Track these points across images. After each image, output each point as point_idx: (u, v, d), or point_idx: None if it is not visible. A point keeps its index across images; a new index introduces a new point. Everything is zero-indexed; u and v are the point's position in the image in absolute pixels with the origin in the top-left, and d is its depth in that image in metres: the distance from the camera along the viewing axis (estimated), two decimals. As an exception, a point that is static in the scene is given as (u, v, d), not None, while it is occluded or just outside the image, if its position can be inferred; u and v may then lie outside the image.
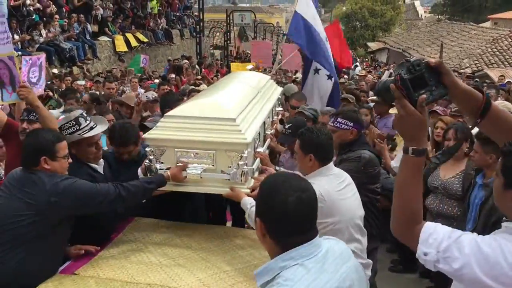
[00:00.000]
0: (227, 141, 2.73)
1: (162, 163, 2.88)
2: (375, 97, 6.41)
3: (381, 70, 19.62)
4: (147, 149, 2.91)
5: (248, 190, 2.79)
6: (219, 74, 14.92)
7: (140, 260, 2.69)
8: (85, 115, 3.08)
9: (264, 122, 3.46)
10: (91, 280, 2.48)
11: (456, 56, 22.62)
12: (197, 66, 16.43)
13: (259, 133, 3.31)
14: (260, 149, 3.28)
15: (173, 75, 11.83)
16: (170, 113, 2.97)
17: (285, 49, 9.53)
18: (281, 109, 4.55)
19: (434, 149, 4.79)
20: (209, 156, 2.80)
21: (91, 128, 3.02)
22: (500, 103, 5.32)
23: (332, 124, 3.61)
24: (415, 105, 1.51)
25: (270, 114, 3.83)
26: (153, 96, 6.25)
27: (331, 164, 2.92)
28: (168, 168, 2.85)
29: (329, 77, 6.33)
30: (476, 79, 14.71)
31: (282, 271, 1.51)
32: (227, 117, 2.81)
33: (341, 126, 3.56)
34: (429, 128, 5.18)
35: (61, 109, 6.35)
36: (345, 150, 3.58)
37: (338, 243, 1.70)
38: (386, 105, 5.96)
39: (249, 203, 2.69)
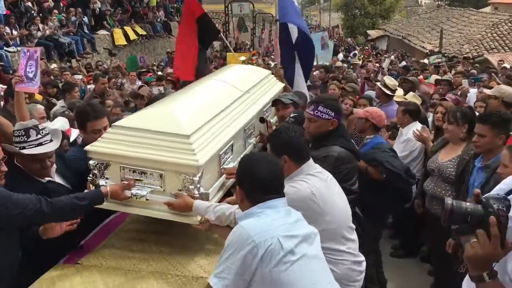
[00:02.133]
0: (177, 161, 2.45)
1: (107, 179, 2.61)
2: (378, 83, 6.39)
3: (382, 57, 19.59)
4: (90, 162, 2.62)
5: (197, 219, 2.52)
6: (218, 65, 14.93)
7: (141, 249, 2.72)
8: (40, 127, 2.75)
9: (244, 129, 3.18)
10: (94, 269, 2.52)
11: (456, 42, 22.51)
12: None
13: (245, 136, 3.13)
14: (231, 164, 2.91)
15: (170, 70, 11.83)
16: (118, 123, 2.68)
17: (276, 47, 9.46)
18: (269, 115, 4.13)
19: (434, 133, 4.83)
20: (158, 176, 2.53)
21: (39, 144, 2.69)
22: (497, 89, 5.31)
23: (312, 113, 3.27)
24: (502, 244, 1.45)
25: (260, 115, 3.56)
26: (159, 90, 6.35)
27: (311, 161, 2.70)
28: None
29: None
30: (476, 65, 14.69)
31: (261, 213, 2.00)
32: (180, 133, 2.50)
33: (322, 115, 3.24)
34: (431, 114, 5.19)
35: (62, 103, 6.39)
36: (319, 143, 3.30)
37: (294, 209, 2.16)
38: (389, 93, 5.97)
39: (204, 206, 2.50)
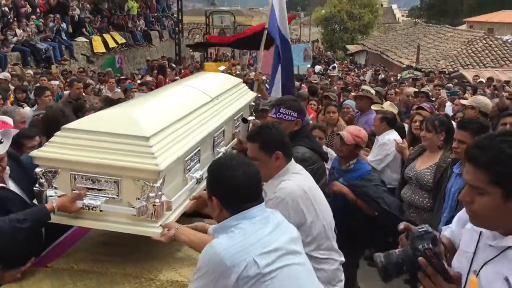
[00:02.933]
0: (134, 166, 2.19)
1: (55, 188, 2.34)
2: (360, 92, 6.44)
3: (363, 70, 19.96)
4: (37, 170, 2.33)
5: (159, 231, 2.26)
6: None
7: (114, 253, 2.63)
8: None
9: (213, 136, 3.06)
10: (65, 272, 2.43)
11: (432, 57, 23.00)
12: (173, 65, 16.32)
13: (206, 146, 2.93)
14: (199, 173, 2.72)
15: (149, 78, 11.74)
16: (68, 125, 2.42)
17: (259, 54, 9.52)
18: (253, 118, 3.99)
19: (410, 141, 4.88)
20: (113, 183, 2.27)
21: None
22: (473, 99, 5.42)
23: (275, 116, 3.23)
24: (447, 278, 1.41)
25: (229, 124, 3.42)
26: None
27: (293, 160, 2.67)
28: (61, 196, 2.33)
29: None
30: (453, 79, 15.00)
31: (237, 226, 1.83)
32: (138, 134, 2.27)
33: (285, 117, 3.21)
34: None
35: (34, 108, 6.24)
36: None
37: (274, 212, 2.01)
38: (368, 102, 6.03)
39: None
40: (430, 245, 1.42)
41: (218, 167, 1.91)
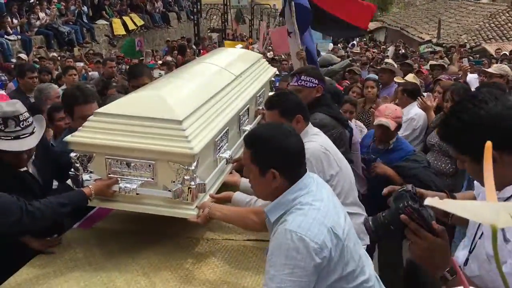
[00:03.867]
0: (169, 150, 2.19)
1: (91, 172, 2.34)
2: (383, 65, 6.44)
3: (382, 47, 19.75)
4: (72, 154, 2.31)
5: (195, 213, 2.27)
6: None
7: (149, 216, 2.52)
8: (22, 118, 2.35)
9: (239, 115, 3.00)
10: (107, 232, 2.57)
11: (454, 32, 22.59)
12: (194, 47, 16.41)
13: (236, 126, 2.94)
14: (228, 153, 2.68)
15: (169, 58, 11.85)
16: (101, 110, 2.40)
17: (273, 34, 9.34)
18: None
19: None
20: (148, 167, 2.26)
21: (17, 137, 2.33)
22: (497, 66, 5.41)
23: (297, 84, 3.28)
24: (431, 231, 1.44)
25: (253, 101, 3.38)
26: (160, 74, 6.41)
27: (311, 124, 2.76)
28: (97, 180, 2.32)
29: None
30: (475, 54, 14.77)
31: (295, 201, 1.74)
32: (171, 118, 2.25)
33: (306, 84, 3.26)
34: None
35: (63, 86, 6.46)
36: None
37: (313, 176, 1.93)
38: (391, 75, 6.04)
39: (244, 199, 2.41)
40: (410, 202, 1.49)
41: (271, 138, 1.81)
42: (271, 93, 3.83)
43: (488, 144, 0.57)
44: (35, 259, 2.30)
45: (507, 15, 22.53)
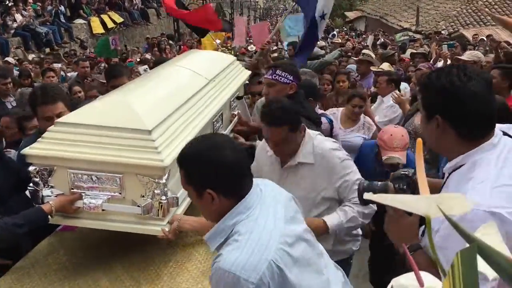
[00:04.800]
0: (137, 162, 2.03)
1: (52, 187, 2.16)
2: (360, 56, 6.52)
3: (363, 36, 19.89)
4: (30, 168, 2.15)
5: (166, 228, 2.12)
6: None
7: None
8: None
9: (213, 121, 2.87)
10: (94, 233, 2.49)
11: (432, 19, 22.79)
12: (171, 42, 16.26)
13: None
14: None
15: (149, 56, 11.78)
16: (62, 119, 2.23)
17: (253, 28, 9.37)
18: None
19: (411, 103, 5.02)
20: (115, 181, 2.10)
21: None
22: (470, 53, 5.53)
23: (271, 77, 3.22)
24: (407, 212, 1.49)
25: (227, 106, 3.23)
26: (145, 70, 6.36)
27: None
28: (59, 195, 2.15)
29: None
30: (454, 40, 14.94)
31: (235, 227, 1.56)
32: (139, 127, 2.10)
33: (281, 79, 3.18)
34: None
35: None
36: None
37: (265, 183, 1.77)
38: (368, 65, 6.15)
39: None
40: (405, 187, 1.56)
41: (201, 154, 1.59)
42: (260, 102, 3.74)
43: (419, 140, 0.62)
44: (19, 263, 2.28)
45: (484, 0, 22.80)
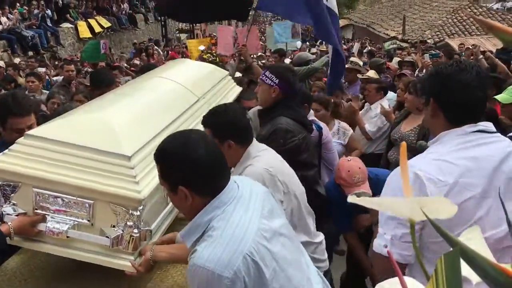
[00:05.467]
0: (112, 191, 1.86)
1: (14, 205, 1.97)
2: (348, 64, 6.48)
3: (350, 44, 20.08)
4: None
5: (137, 261, 1.93)
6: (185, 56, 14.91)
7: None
8: None
9: None
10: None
11: (418, 28, 23.09)
12: (159, 51, 16.11)
13: None
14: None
15: (137, 62, 11.73)
16: (33, 132, 2.04)
17: (239, 33, 9.31)
18: None
19: (396, 107, 5.07)
20: (85, 206, 1.92)
21: None
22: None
23: (260, 76, 3.19)
24: None
25: None
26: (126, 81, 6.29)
27: (255, 141, 2.44)
28: (20, 215, 1.96)
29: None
30: (441, 49, 15.14)
31: (210, 223, 1.54)
32: (117, 151, 1.92)
33: (266, 80, 3.05)
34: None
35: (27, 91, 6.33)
36: (266, 117, 3.05)
37: (242, 179, 1.76)
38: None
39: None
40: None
41: (176, 151, 1.58)
42: (253, 111, 3.50)
43: (403, 144, 0.62)
44: None
45: (469, 10, 23.17)
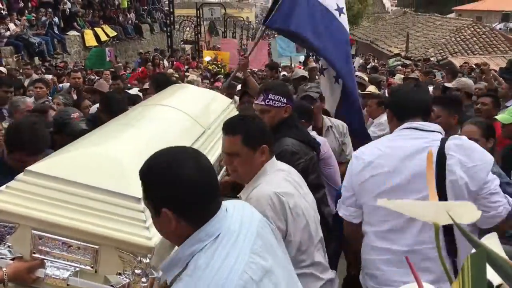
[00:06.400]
0: (119, 236, 1.71)
1: (9, 247, 1.80)
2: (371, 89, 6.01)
3: (353, 60, 20.25)
4: None
5: None
6: (189, 67, 15.02)
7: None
8: None
9: None
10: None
11: (421, 46, 23.26)
12: (165, 61, 16.20)
13: None
14: None
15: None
16: (33, 167, 1.86)
17: (250, 47, 9.36)
18: None
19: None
20: (88, 252, 1.75)
21: None
22: (457, 81, 5.67)
23: (264, 103, 2.89)
24: None
25: (219, 158, 2.75)
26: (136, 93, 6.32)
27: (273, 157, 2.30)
28: (16, 259, 1.79)
29: (336, 80, 4.57)
30: (445, 67, 15.24)
31: (193, 257, 1.37)
32: (126, 192, 1.77)
33: (275, 104, 2.88)
34: None
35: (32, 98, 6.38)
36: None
37: (235, 205, 1.56)
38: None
39: None
40: None
41: (160, 169, 1.41)
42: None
43: (430, 152, 0.65)
44: None
45: (472, 29, 23.37)
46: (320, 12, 4.46)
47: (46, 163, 1.93)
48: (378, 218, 2.27)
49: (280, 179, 2.19)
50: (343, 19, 4.57)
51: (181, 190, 1.37)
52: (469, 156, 2.16)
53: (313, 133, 3.57)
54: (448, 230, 2.11)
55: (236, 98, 6.70)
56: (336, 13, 4.49)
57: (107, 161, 1.91)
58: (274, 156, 2.28)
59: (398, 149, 2.25)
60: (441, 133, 2.29)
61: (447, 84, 6.04)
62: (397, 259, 2.19)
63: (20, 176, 1.85)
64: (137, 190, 1.67)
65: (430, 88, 7.17)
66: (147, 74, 11.13)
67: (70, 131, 3.21)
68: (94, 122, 3.40)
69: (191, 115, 2.75)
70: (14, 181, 1.83)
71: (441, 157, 2.14)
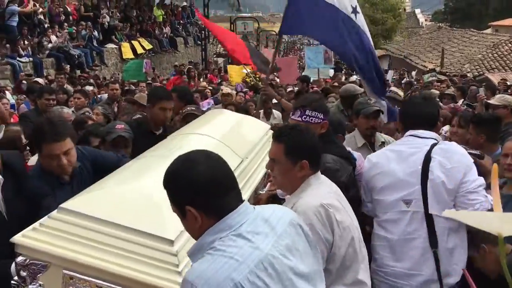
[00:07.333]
0: (150, 281, 1.67)
1: (40, 286, 1.78)
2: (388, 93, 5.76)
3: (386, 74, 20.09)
4: (18, 259, 1.77)
5: None
6: (222, 80, 15.17)
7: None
8: None
9: None
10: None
11: (457, 61, 22.89)
12: (191, 67, 16.22)
13: None
14: None
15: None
16: (68, 205, 1.87)
17: (279, 62, 9.14)
18: None
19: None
20: None
21: None
22: (499, 97, 5.54)
23: (301, 119, 2.85)
24: None
25: (257, 187, 2.74)
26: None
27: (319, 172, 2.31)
28: None
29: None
30: (483, 83, 14.92)
31: (212, 244, 1.47)
32: (159, 234, 1.74)
33: (312, 120, 2.83)
34: None
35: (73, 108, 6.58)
36: None
37: (265, 206, 1.67)
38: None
39: None
40: None
41: (176, 172, 1.52)
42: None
43: (495, 166, 0.67)
44: None
45: (510, 45, 22.85)
46: (337, 16, 4.29)
47: (79, 201, 1.91)
48: (380, 210, 2.70)
49: (325, 192, 2.21)
50: (360, 19, 4.40)
51: (197, 186, 1.48)
52: (449, 158, 2.52)
53: (349, 148, 3.54)
54: (430, 222, 2.50)
55: (277, 112, 6.74)
56: (353, 16, 4.35)
57: (141, 199, 1.89)
58: (319, 171, 2.28)
59: (397, 153, 2.70)
60: (436, 140, 2.65)
61: (490, 101, 5.91)
62: (390, 246, 2.60)
63: (54, 213, 1.86)
64: (170, 231, 1.72)
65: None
66: (182, 81, 11.38)
67: (111, 139, 3.29)
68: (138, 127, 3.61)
69: (229, 145, 2.71)
70: (47, 219, 1.84)
71: (427, 159, 2.55)
